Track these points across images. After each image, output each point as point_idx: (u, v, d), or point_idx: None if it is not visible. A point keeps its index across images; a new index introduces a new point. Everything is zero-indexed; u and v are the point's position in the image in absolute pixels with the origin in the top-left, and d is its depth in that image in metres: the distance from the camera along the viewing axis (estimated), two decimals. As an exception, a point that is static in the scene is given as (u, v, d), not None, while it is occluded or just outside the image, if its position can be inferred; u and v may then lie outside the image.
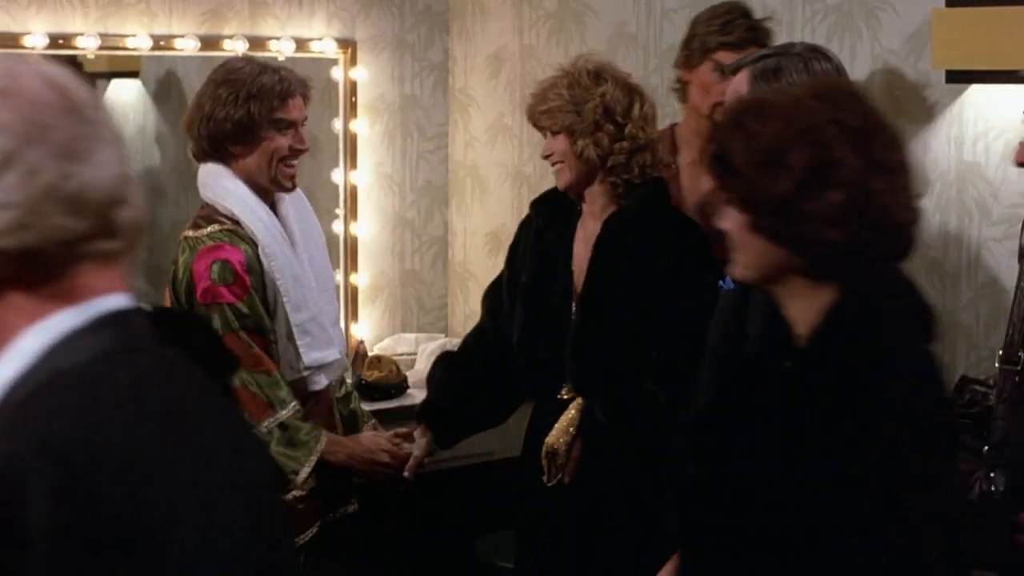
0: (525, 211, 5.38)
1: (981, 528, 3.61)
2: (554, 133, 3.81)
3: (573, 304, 3.83)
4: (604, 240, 3.79)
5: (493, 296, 4.09)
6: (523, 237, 4.02)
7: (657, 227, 3.79)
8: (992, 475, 3.58)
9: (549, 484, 3.80)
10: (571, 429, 3.78)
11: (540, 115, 3.81)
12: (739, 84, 3.31)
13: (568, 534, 3.84)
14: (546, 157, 3.87)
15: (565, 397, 3.83)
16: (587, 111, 3.75)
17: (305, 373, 3.80)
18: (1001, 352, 3.64)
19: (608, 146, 3.76)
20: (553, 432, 3.80)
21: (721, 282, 3.29)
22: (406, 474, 3.94)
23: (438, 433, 4.00)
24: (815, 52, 3.33)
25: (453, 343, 5.31)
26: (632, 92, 3.82)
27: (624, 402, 3.74)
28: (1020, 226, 3.74)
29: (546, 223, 3.96)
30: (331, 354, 3.87)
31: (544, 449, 3.81)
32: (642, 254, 3.75)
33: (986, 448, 3.59)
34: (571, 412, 3.79)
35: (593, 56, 4.00)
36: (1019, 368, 3.64)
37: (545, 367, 3.85)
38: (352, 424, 4.07)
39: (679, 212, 3.97)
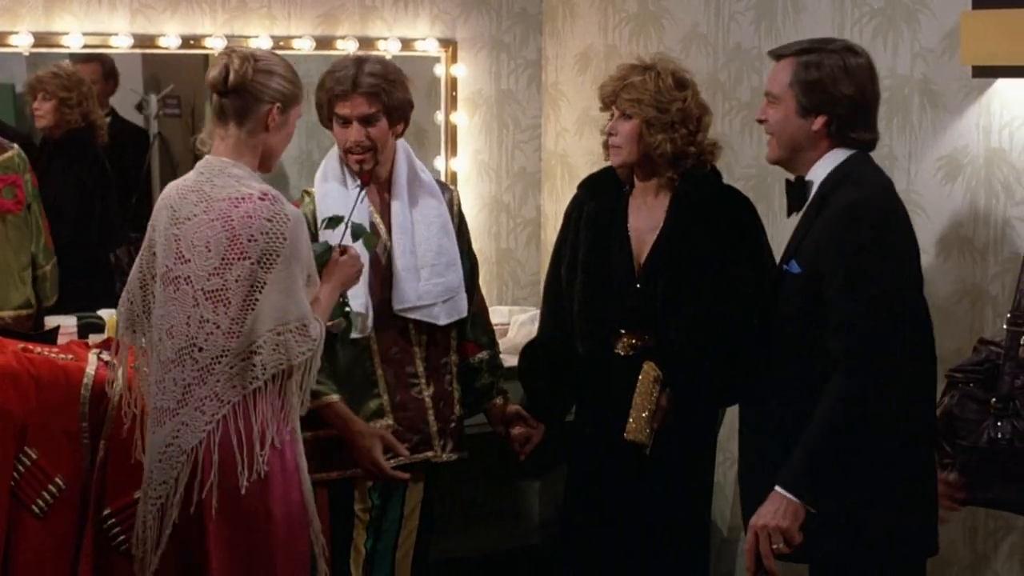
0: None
1: (990, 471, 4.05)
2: (626, 116, 4.28)
3: (634, 272, 4.33)
4: (676, 214, 4.29)
5: (552, 298, 4.58)
6: (573, 221, 4.50)
7: (720, 203, 4.31)
8: (999, 424, 4.02)
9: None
10: (645, 414, 4.24)
11: (624, 100, 4.27)
12: (782, 71, 3.79)
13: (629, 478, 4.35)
14: (608, 134, 4.31)
15: (621, 353, 4.34)
16: (672, 111, 4.24)
17: None
18: (1009, 315, 4.07)
19: (681, 146, 4.27)
20: (632, 427, 4.25)
21: (785, 266, 3.76)
22: (521, 457, 4.56)
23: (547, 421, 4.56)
24: (849, 48, 3.81)
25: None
26: (703, 108, 4.33)
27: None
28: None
29: (598, 205, 4.44)
30: None
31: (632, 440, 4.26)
32: (710, 225, 4.26)
33: (994, 400, 4.03)
34: (639, 399, 4.25)
35: (670, 57, 4.48)
36: (1023, 330, 4.08)
37: (604, 327, 4.35)
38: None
39: (736, 191, 4.43)
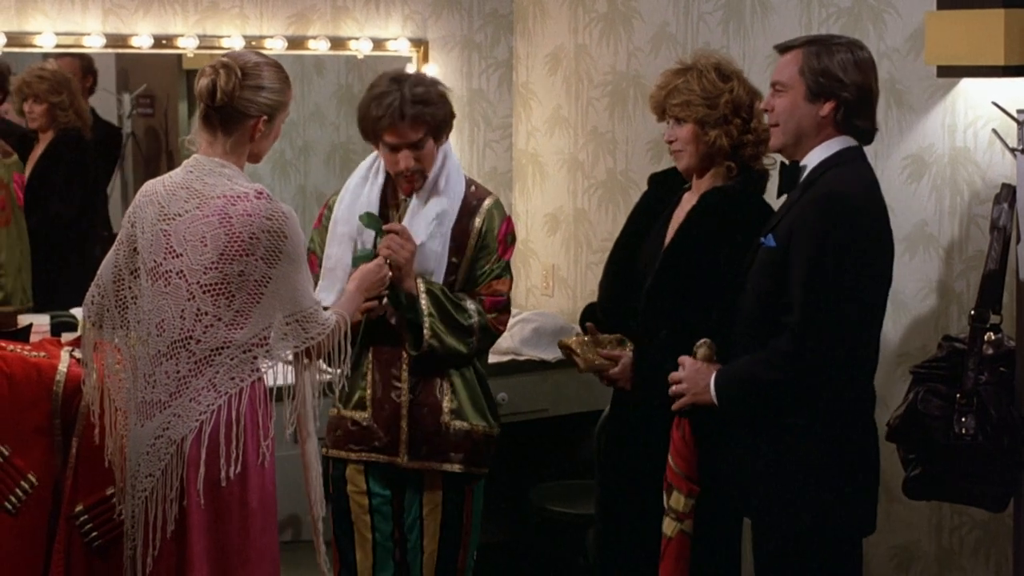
0: (580, 194, 5.98)
1: (954, 466, 4.11)
2: (679, 121, 4.28)
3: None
4: (698, 210, 4.27)
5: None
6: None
7: (745, 208, 4.24)
8: (963, 420, 4.07)
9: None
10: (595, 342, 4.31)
11: (673, 106, 4.26)
12: (791, 61, 3.90)
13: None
14: (670, 142, 4.30)
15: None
16: (720, 105, 4.24)
17: None
18: (972, 312, 4.13)
19: (737, 136, 4.25)
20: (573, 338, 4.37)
21: (763, 239, 3.87)
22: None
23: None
24: (854, 43, 3.94)
25: (513, 313, 5.83)
26: (752, 92, 4.32)
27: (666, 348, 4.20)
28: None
29: (655, 192, 4.48)
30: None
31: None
32: (726, 229, 4.21)
33: (958, 395, 4.08)
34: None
35: (710, 52, 4.51)
36: (987, 326, 4.14)
37: (618, 309, 4.36)
38: None
39: (765, 202, 4.36)
